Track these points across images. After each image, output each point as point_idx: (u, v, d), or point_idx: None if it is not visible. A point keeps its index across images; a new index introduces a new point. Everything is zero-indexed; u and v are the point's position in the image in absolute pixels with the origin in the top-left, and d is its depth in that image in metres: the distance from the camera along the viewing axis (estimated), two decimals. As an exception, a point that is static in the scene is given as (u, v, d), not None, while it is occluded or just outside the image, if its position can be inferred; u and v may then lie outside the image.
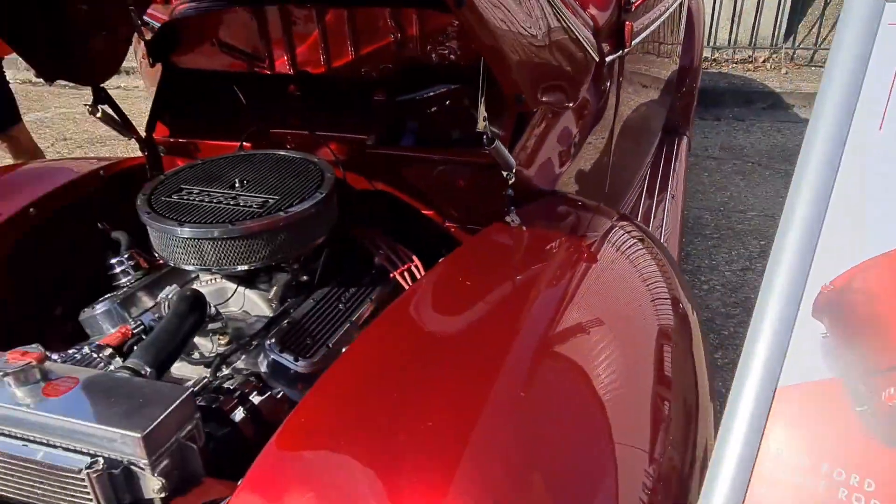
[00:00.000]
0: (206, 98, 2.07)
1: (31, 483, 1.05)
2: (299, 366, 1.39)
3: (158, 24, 2.05)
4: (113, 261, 1.72)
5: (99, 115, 1.83)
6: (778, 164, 4.91)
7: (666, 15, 2.97)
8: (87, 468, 0.99)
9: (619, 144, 2.46)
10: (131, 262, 1.71)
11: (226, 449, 1.23)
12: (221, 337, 1.47)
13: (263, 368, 1.39)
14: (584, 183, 2.16)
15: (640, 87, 2.75)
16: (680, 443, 1.11)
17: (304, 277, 1.65)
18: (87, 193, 1.87)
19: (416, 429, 0.95)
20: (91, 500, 1.00)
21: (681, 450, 1.10)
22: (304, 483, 0.91)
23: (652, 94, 3.04)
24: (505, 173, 1.62)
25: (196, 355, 1.48)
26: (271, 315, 1.57)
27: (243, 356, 1.46)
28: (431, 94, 1.96)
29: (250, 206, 1.50)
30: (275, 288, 1.61)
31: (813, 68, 6.75)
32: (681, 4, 3.52)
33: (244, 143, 1.94)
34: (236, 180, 1.61)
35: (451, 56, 1.88)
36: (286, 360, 1.38)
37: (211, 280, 1.62)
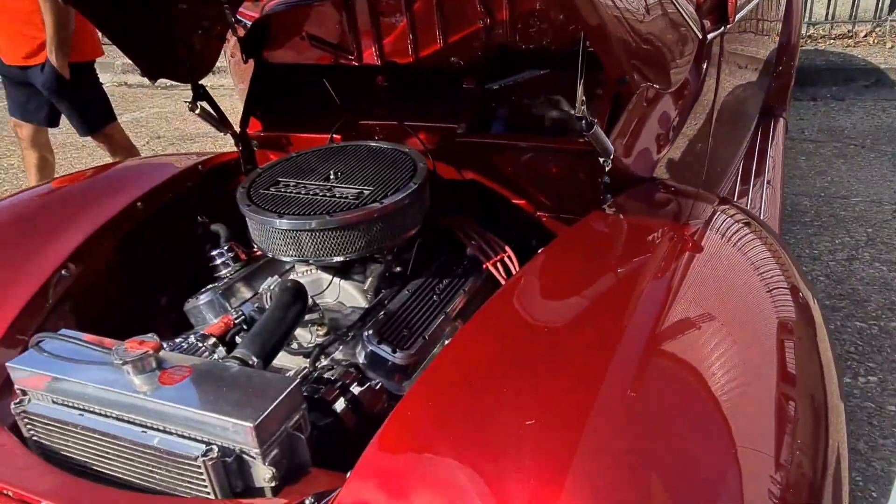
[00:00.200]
0: (296, 92, 2.10)
1: (148, 468, 1.09)
2: (397, 357, 1.38)
3: (249, 22, 2.09)
4: (213, 253, 1.77)
5: (198, 111, 1.89)
6: (884, 146, 4.56)
7: (767, -12, 2.80)
8: (202, 456, 1.01)
9: (718, 128, 2.34)
10: (231, 254, 1.75)
11: (328, 439, 1.24)
12: (319, 328, 1.48)
13: (361, 359, 1.39)
14: (682, 169, 2.06)
15: (740, 66, 2.60)
16: (809, 447, 1.03)
17: (398, 268, 1.65)
18: (187, 188, 1.93)
19: (522, 428, 0.91)
20: (207, 486, 1.02)
21: (810, 454, 1.02)
22: (410, 481, 0.90)
23: (751, 75, 2.88)
24: (602, 160, 1.56)
25: (294, 345, 1.50)
26: (366, 306, 1.57)
27: (341, 347, 1.46)
28: (521, 79, 1.91)
29: (346, 198, 1.50)
30: (370, 279, 1.61)
31: (923, 41, 6.25)
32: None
33: (334, 136, 1.95)
34: (331, 172, 1.62)
35: (542, 40, 1.83)
36: (384, 351, 1.38)
37: (307, 271, 1.64)
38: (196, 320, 1.65)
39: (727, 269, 1.42)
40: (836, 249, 3.43)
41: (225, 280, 1.70)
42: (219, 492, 1.02)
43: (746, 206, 2.89)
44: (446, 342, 1.49)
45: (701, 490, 0.90)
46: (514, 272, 1.63)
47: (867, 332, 2.77)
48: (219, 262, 1.76)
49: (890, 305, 2.92)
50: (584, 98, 1.40)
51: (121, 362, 1.09)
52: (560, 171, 1.74)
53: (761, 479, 0.96)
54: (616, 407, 0.96)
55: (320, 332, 1.48)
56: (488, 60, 1.87)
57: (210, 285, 1.69)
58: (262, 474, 1.02)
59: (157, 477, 1.08)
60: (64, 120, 3.80)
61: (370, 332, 1.40)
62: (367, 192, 1.52)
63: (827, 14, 6.58)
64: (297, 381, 1.08)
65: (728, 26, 2.03)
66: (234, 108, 2.05)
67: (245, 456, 1.02)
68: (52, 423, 1.16)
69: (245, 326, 1.52)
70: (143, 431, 1.08)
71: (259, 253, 1.78)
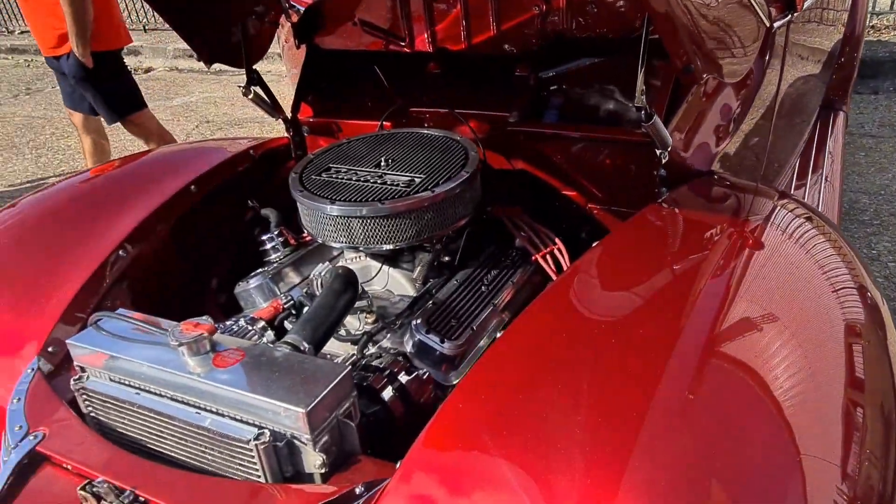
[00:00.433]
0: (347, 78, 2.10)
1: (201, 449, 1.10)
2: (445, 347, 1.37)
3: (302, 8, 2.09)
4: (264, 237, 1.78)
5: (251, 96, 1.90)
6: (950, 143, 4.35)
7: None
8: (254, 439, 1.02)
9: (778, 122, 2.25)
10: (280, 239, 1.77)
11: (375, 426, 1.24)
12: (368, 315, 1.48)
13: (409, 348, 1.39)
14: (739, 163, 1.99)
15: (802, 57, 2.50)
16: (878, 457, 0.98)
17: (446, 258, 1.64)
18: (238, 172, 1.95)
19: (574, 429, 0.89)
20: (258, 470, 1.03)
21: (880, 465, 0.97)
22: (460, 478, 0.88)
23: (813, 66, 2.76)
24: (659, 152, 1.51)
25: (343, 332, 1.50)
26: (414, 294, 1.56)
27: (388, 335, 1.46)
28: (576, 68, 1.87)
29: (397, 185, 1.50)
30: (418, 267, 1.60)
31: None
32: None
33: (384, 123, 1.95)
34: (382, 159, 1.61)
35: (599, 28, 1.78)
36: (432, 340, 1.37)
37: (356, 258, 1.64)
38: (246, 303, 1.67)
39: (790, 267, 1.37)
40: (897, 250, 3.29)
41: (274, 265, 1.71)
42: (269, 476, 1.03)
43: (803, 202, 2.79)
44: (494, 334, 1.47)
45: (761, 499, 0.87)
46: (563, 265, 1.60)
47: (929, 338, 2.65)
48: (269, 246, 1.77)
49: (954, 310, 2.79)
50: (644, 87, 1.36)
51: (176, 343, 1.11)
52: (614, 162, 1.70)
53: (827, 489, 0.92)
54: (673, 408, 0.93)
55: (369, 320, 1.48)
56: (542, 48, 1.83)
57: (260, 269, 1.70)
58: (313, 460, 1.02)
59: (209, 458, 1.09)
60: None
61: (418, 321, 1.39)
62: (418, 180, 1.50)
63: (892, 4, 6.29)
64: (349, 368, 1.07)
65: (795, 14, 1.95)
66: (281, 94, 2.06)
67: (296, 441, 1.03)
68: (109, 401, 1.18)
69: (294, 311, 1.53)
70: (196, 412, 1.10)
71: (308, 238, 1.79)
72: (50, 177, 4.91)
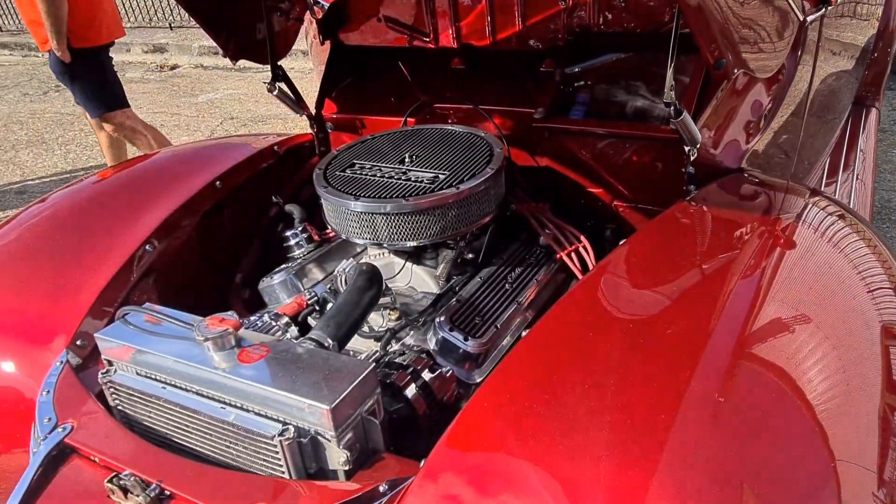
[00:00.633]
0: (371, 75, 2.10)
1: (225, 444, 1.10)
2: (469, 345, 1.36)
3: (327, 4, 2.09)
4: (288, 233, 1.79)
5: (276, 92, 1.90)
6: None
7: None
8: (279, 435, 1.02)
9: (809, 118, 2.20)
10: (304, 235, 1.77)
11: (398, 423, 1.23)
12: (391, 312, 1.48)
13: (432, 346, 1.38)
14: (769, 161, 1.95)
15: (834, 52, 2.44)
16: (916, 463, 0.95)
17: (470, 255, 1.63)
18: (263, 168, 1.96)
19: (601, 431, 0.88)
20: (282, 465, 1.03)
21: (918, 471, 0.95)
22: (485, 480, 0.87)
23: (846, 62, 2.70)
24: (687, 148, 1.48)
25: (366, 329, 1.50)
26: (438, 292, 1.55)
27: (411, 332, 1.45)
28: (602, 63, 1.84)
29: (421, 182, 1.49)
30: (442, 264, 1.59)
31: None
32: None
33: (408, 119, 1.94)
34: (406, 155, 1.61)
35: (626, 23, 1.76)
36: (456, 338, 1.36)
37: (380, 254, 1.63)
38: (269, 299, 1.67)
39: (823, 266, 1.34)
40: (931, 250, 3.20)
41: (298, 260, 1.71)
42: (293, 472, 1.03)
43: (833, 201, 2.73)
44: (518, 332, 1.46)
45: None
46: (588, 263, 1.58)
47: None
48: (292, 242, 1.77)
49: None
50: (673, 83, 1.33)
51: (202, 338, 1.11)
52: (641, 159, 1.67)
53: (862, 496, 0.90)
54: (703, 411, 0.91)
55: (392, 317, 1.48)
56: (568, 43, 1.81)
57: (284, 265, 1.71)
58: (337, 457, 1.02)
59: (234, 453, 1.10)
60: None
61: (442, 318, 1.39)
62: (442, 177, 1.49)
63: (928, -3, 6.12)
64: (373, 365, 1.07)
65: (829, 8, 1.90)
66: (305, 90, 2.06)
67: (320, 438, 1.03)
68: (136, 394, 1.19)
69: (317, 307, 1.53)
70: (221, 407, 1.10)
71: (332, 234, 1.79)
72: (79, 171, 4.99)
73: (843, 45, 2.63)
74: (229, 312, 1.16)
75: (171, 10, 8.78)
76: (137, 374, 1.21)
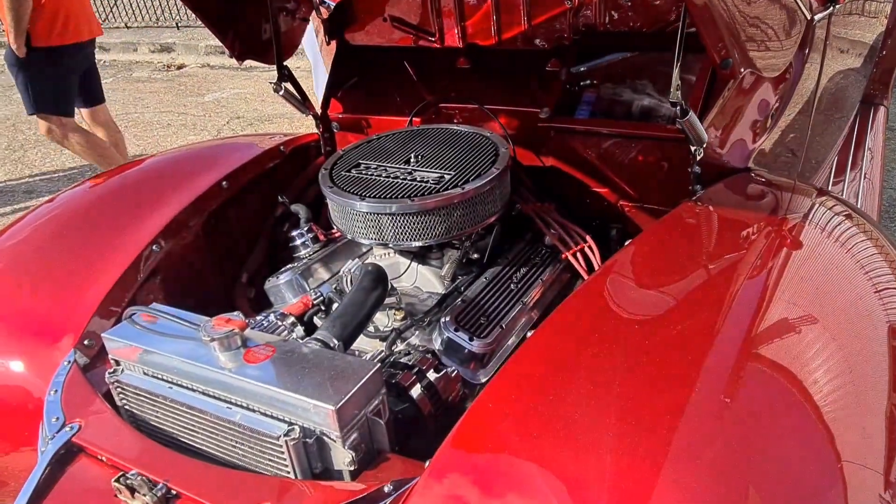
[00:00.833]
0: (377, 74, 2.10)
1: (231, 443, 1.11)
2: (474, 345, 1.36)
3: (333, 4, 2.09)
4: (294, 233, 1.79)
5: (282, 92, 1.91)
6: None
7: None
8: (284, 435, 1.02)
9: (816, 117, 2.19)
10: (310, 235, 1.77)
11: (403, 423, 1.23)
12: (397, 312, 1.48)
13: (438, 346, 1.38)
14: (776, 160, 1.95)
15: (842, 51, 2.43)
16: (923, 465, 0.95)
17: (475, 255, 1.62)
18: (268, 168, 1.96)
19: (607, 431, 0.88)
20: (287, 465, 1.03)
21: (925, 473, 0.94)
22: (490, 480, 0.88)
23: (854, 60, 2.69)
24: (693, 148, 1.48)
25: (371, 329, 1.50)
26: (443, 292, 1.55)
27: (417, 332, 1.46)
28: (608, 63, 1.84)
29: (426, 182, 1.49)
30: (447, 265, 1.59)
31: None
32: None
33: (414, 119, 1.94)
34: (411, 155, 1.61)
35: (632, 22, 1.75)
36: (461, 338, 1.36)
37: (385, 254, 1.64)
38: (275, 299, 1.68)
39: (829, 266, 1.33)
40: (940, 249, 3.18)
41: (304, 260, 1.72)
42: (299, 472, 1.03)
43: (841, 200, 2.72)
44: (523, 333, 1.46)
45: (800, 504, 0.85)
46: (594, 263, 1.58)
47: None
48: (298, 242, 1.78)
49: None
50: (679, 82, 1.33)
51: (208, 339, 1.12)
52: (647, 159, 1.67)
53: (868, 497, 0.89)
54: (709, 412, 0.91)
55: (397, 317, 1.48)
56: (574, 43, 1.81)
57: (289, 265, 1.71)
58: (342, 457, 1.02)
59: (240, 453, 1.10)
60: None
61: (447, 318, 1.39)
62: (447, 177, 1.49)
63: (937, -6, 6.07)
64: (378, 365, 1.07)
65: (837, 6, 1.89)
66: (312, 90, 2.07)
67: (325, 438, 1.03)
68: (143, 394, 1.20)
69: (323, 307, 1.53)
70: (227, 407, 1.10)
71: (337, 234, 1.79)
72: (86, 171, 5.02)
73: (850, 43, 2.62)
74: (235, 313, 1.16)
75: (178, 10, 8.81)
76: (144, 373, 1.21)
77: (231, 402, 1.11)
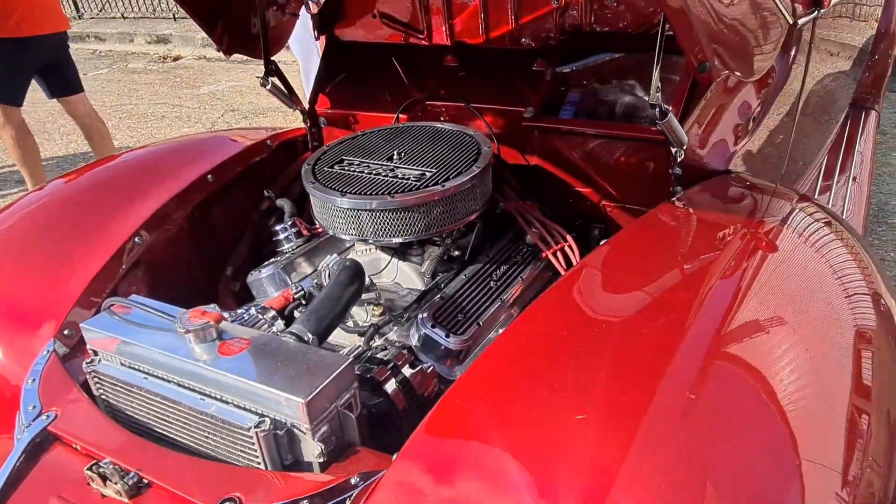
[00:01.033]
0: (365, 71, 2.11)
1: (204, 434, 1.12)
2: (450, 342, 1.38)
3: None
4: (277, 227, 1.80)
5: (269, 86, 1.91)
6: None
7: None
8: (255, 427, 1.03)
9: (802, 120, 2.21)
10: (294, 230, 1.78)
11: (376, 418, 1.25)
12: (375, 308, 1.49)
13: (414, 342, 1.39)
14: (760, 163, 1.96)
15: (831, 54, 2.45)
16: (881, 465, 0.97)
17: (456, 252, 1.64)
18: (255, 162, 1.97)
19: (574, 423, 0.89)
20: (258, 456, 1.05)
21: (882, 473, 0.96)
22: (457, 467, 0.89)
23: (842, 63, 2.70)
24: (674, 150, 1.49)
25: (350, 324, 1.52)
26: (423, 288, 1.57)
27: (395, 328, 1.47)
28: (594, 63, 1.85)
29: (408, 179, 1.50)
30: (427, 261, 1.61)
31: None
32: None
33: (400, 116, 1.95)
34: (395, 152, 1.62)
35: (618, 23, 1.76)
36: (437, 335, 1.37)
37: (366, 250, 1.65)
38: (258, 293, 1.69)
39: (803, 271, 1.35)
40: (926, 254, 3.21)
41: (287, 255, 1.73)
42: (269, 463, 1.05)
43: (828, 203, 2.73)
44: (500, 330, 1.47)
45: (757, 502, 0.86)
46: (574, 262, 1.60)
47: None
48: (282, 236, 1.79)
49: (983, 318, 2.71)
50: (659, 84, 1.34)
51: (183, 330, 1.13)
52: (629, 160, 1.68)
53: (826, 496, 0.91)
54: (674, 408, 0.93)
55: (376, 312, 1.49)
56: (560, 43, 1.82)
57: (272, 259, 1.72)
58: (312, 449, 1.04)
59: (213, 443, 1.11)
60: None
61: (424, 315, 1.40)
62: (429, 175, 1.51)
63: (933, -1, 6.09)
64: (350, 360, 1.08)
65: (822, 11, 1.91)
66: (300, 85, 2.07)
67: (296, 430, 1.04)
68: (119, 384, 1.21)
69: (304, 301, 1.54)
70: (201, 398, 1.12)
71: (320, 229, 1.80)
72: (79, 160, 5.02)
73: (839, 46, 2.63)
74: (211, 305, 1.17)
75: (174, 1, 8.79)
76: (121, 364, 1.22)
77: (205, 394, 1.12)
